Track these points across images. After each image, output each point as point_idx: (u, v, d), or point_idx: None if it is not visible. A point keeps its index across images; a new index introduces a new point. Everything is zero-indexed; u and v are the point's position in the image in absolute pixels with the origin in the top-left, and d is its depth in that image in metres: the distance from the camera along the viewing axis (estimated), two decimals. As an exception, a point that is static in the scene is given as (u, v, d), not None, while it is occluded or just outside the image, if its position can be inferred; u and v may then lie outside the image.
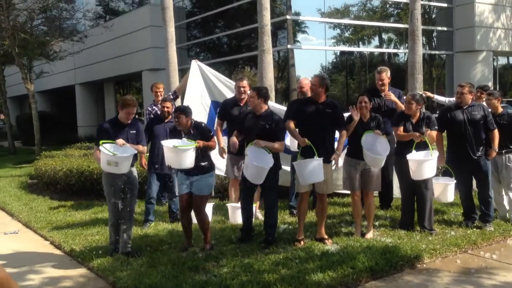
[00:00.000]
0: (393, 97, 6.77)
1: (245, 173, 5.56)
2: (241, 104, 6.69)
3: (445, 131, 6.43)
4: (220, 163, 6.96)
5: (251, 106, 5.85)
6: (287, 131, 5.80)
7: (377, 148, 5.76)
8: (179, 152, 5.22)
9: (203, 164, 5.44)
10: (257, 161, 5.40)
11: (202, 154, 5.42)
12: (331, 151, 5.66)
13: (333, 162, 5.69)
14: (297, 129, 5.68)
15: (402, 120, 6.07)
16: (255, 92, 5.71)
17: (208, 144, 5.44)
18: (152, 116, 7.51)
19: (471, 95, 6.25)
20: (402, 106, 6.70)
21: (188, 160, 5.23)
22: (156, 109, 7.55)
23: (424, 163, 5.76)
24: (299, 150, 5.64)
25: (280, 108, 7.17)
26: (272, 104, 7.79)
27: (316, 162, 5.38)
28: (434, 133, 5.96)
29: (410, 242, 5.46)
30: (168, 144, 5.31)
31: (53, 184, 10.04)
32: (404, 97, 7.10)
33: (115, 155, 5.16)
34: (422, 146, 5.86)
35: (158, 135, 6.66)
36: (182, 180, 5.52)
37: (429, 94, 7.73)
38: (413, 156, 5.83)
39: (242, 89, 6.69)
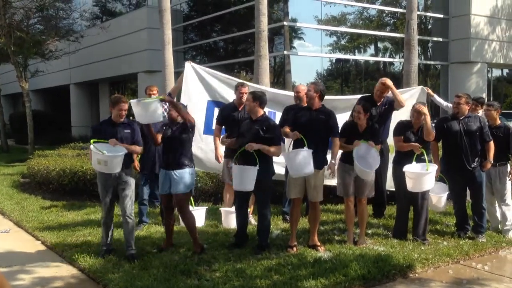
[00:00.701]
0: (390, 83, 6.80)
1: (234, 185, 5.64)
2: (239, 109, 6.69)
3: (441, 141, 6.45)
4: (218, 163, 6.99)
5: (247, 109, 5.87)
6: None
7: (368, 159, 5.74)
8: (144, 106, 5.28)
9: (182, 158, 5.47)
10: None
11: (181, 142, 5.47)
12: (323, 158, 5.67)
13: (330, 171, 5.70)
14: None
15: (404, 129, 6.09)
16: (251, 95, 5.74)
17: (178, 107, 5.42)
18: None
19: (468, 106, 6.27)
20: (400, 98, 6.71)
21: (154, 113, 5.27)
22: None
23: (422, 177, 5.76)
24: (290, 144, 5.66)
25: (278, 93, 7.28)
26: (269, 89, 7.83)
27: (305, 152, 5.36)
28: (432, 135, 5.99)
29: (403, 251, 5.47)
30: (134, 100, 5.39)
31: (46, 184, 9.98)
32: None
33: (103, 154, 5.12)
34: (422, 158, 5.88)
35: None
36: (163, 178, 5.57)
37: (430, 91, 7.73)
38: (410, 169, 5.84)
39: (243, 95, 6.67)
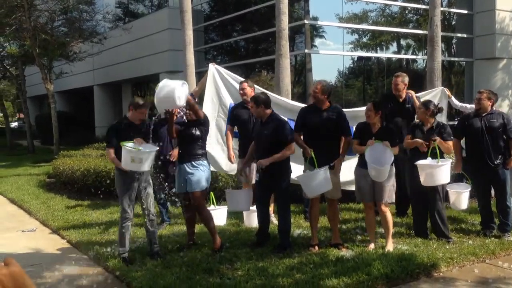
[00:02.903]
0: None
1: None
2: (249, 107, 6.70)
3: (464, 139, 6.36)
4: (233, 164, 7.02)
5: (255, 116, 5.90)
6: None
7: (384, 159, 5.52)
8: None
9: (195, 152, 5.55)
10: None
11: (193, 138, 5.54)
12: (336, 157, 5.63)
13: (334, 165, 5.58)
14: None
15: (415, 128, 6.02)
16: (252, 102, 5.71)
17: (194, 106, 5.56)
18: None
19: (490, 102, 6.16)
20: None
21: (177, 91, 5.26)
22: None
23: (433, 170, 5.65)
24: (306, 160, 5.60)
25: (296, 105, 7.28)
26: (288, 101, 7.81)
27: (322, 172, 5.34)
28: (450, 143, 5.86)
29: (427, 250, 5.40)
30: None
31: (71, 184, 10.15)
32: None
33: (139, 151, 5.05)
34: (437, 154, 5.79)
35: (165, 136, 6.67)
36: (179, 176, 5.61)
37: (448, 92, 7.65)
38: (423, 162, 5.75)
39: (241, 91, 6.74)
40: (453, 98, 7.79)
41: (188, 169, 5.51)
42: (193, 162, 5.53)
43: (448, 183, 5.95)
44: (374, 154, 5.49)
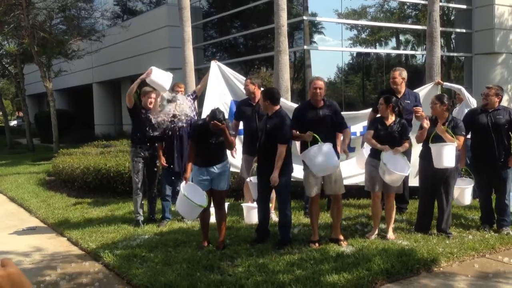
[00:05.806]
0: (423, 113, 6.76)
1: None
2: (254, 104, 6.72)
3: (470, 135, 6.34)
4: (237, 161, 7.02)
5: (262, 108, 5.91)
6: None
7: (396, 167, 5.59)
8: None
9: (223, 154, 5.70)
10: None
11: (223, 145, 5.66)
12: (336, 151, 5.67)
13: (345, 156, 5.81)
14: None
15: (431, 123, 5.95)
16: (262, 94, 5.82)
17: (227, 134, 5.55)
18: None
19: (498, 98, 6.11)
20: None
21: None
22: None
23: (445, 147, 5.58)
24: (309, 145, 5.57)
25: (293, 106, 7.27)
26: (286, 102, 7.80)
27: (325, 147, 5.31)
28: (461, 139, 5.81)
29: (427, 245, 5.40)
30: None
31: (71, 182, 10.15)
32: (422, 100, 7.05)
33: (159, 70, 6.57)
34: (439, 140, 5.73)
35: (178, 150, 6.82)
36: (202, 175, 5.59)
37: (439, 81, 7.84)
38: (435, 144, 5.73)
39: (245, 87, 6.84)
40: (445, 83, 7.93)
41: (215, 170, 5.58)
42: (221, 163, 5.63)
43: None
44: (391, 159, 5.62)
